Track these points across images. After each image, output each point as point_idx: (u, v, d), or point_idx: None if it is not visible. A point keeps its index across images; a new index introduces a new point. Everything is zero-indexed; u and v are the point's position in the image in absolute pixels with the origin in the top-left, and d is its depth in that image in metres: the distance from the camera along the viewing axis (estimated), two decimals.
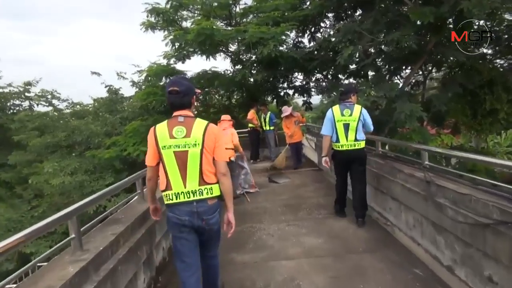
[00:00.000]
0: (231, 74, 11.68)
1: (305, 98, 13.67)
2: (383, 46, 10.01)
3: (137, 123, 11.42)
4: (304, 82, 13.68)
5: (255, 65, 11.17)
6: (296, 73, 12.65)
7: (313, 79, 13.24)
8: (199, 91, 2.96)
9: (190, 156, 2.39)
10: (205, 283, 2.73)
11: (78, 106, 15.12)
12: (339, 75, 12.29)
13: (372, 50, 10.48)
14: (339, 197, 4.99)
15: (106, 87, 14.17)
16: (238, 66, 11.63)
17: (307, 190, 6.81)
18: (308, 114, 22.69)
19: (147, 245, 3.35)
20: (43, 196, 12.21)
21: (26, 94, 15.44)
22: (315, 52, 11.78)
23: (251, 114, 10.51)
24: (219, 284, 2.85)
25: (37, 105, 15.57)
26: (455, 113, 10.83)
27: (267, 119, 10.51)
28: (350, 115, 4.42)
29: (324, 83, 12.66)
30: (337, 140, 4.53)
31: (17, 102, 15.53)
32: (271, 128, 10.48)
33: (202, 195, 2.43)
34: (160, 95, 11.52)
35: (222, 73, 12.25)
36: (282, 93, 13.84)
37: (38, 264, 2.54)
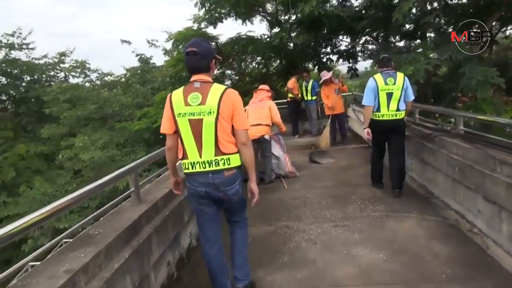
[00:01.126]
0: (268, 39, 10.44)
1: (350, 64, 12.32)
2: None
3: (166, 93, 10.60)
4: (349, 46, 12.25)
5: (295, 26, 9.83)
6: (341, 36, 11.19)
7: (360, 42, 11.73)
8: (219, 57, 2.73)
9: (205, 124, 2.22)
10: (233, 251, 2.61)
11: (109, 77, 14.56)
12: (392, 37, 10.75)
13: (435, 4, 8.80)
14: (377, 168, 4.80)
15: (137, 56, 13.47)
16: (276, 29, 10.35)
17: (357, 175, 5.50)
18: (351, 82, 20.89)
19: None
20: (79, 171, 11.92)
21: (61, 65, 15.07)
22: (364, 12, 10.26)
23: (292, 82, 9.27)
24: (246, 254, 2.65)
25: (72, 77, 15.23)
26: None
27: (309, 88, 9.12)
28: (394, 83, 4.24)
29: (374, 46, 11.12)
30: (378, 109, 4.33)
31: (52, 73, 15.20)
32: (313, 98, 9.14)
33: (218, 165, 2.28)
34: None
35: (259, 37, 11.05)
36: (325, 59, 12.55)
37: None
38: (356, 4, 10.91)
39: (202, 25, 10.16)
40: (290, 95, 9.45)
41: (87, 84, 14.29)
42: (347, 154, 6.93)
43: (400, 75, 4.33)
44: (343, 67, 15.43)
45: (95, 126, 12.13)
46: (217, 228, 2.50)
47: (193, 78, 2.30)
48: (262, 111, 5.38)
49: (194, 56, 2.24)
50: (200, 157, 2.27)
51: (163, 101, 11.36)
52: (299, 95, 9.29)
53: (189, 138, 2.26)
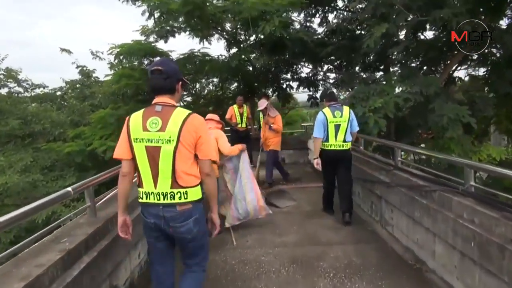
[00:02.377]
0: (226, 59, 9.48)
1: (311, 93, 11.69)
2: (420, 33, 7.94)
3: (105, 112, 9.29)
4: (311, 74, 11.65)
5: (255, 48, 8.98)
6: (303, 62, 10.51)
7: (323, 70, 11.16)
8: (187, 81, 2.44)
9: (162, 153, 2.02)
10: None
11: (42, 89, 12.74)
12: (355, 67, 10.25)
13: (402, 35, 8.38)
14: (328, 196, 5.08)
15: (77, 67, 11.96)
16: (234, 49, 9.44)
17: (324, 225, 4.51)
18: (307, 111, 20.36)
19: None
20: None
21: None
22: (327, 39, 9.69)
23: (229, 111, 8.04)
24: None
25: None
26: (498, 119, 8.80)
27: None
28: (341, 116, 4.59)
29: (336, 75, 10.54)
30: (327, 140, 4.63)
31: None
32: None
33: (174, 199, 2.06)
34: (136, 78, 9.32)
35: (216, 58, 10.08)
36: (284, 85, 11.84)
37: None
38: (319, 31, 10.39)
39: (152, 39, 9.01)
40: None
41: (16, 95, 12.40)
42: (310, 195, 5.95)
43: (346, 108, 4.66)
44: (303, 95, 14.90)
45: (17, 145, 10.34)
46: (168, 266, 2.30)
47: (156, 100, 2.13)
48: None
49: (159, 76, 2.08)
50: (155, 187, 2.08)
51: (100, 121, 10.14)
52: (239, 125, 8.11)
53: (144, 166, 2.08)
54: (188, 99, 11.51)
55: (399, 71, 8.54)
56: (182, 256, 2.32)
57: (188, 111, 2.10)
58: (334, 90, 8.97)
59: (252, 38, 8.95)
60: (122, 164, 2.16)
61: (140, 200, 2.15)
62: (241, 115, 8.07)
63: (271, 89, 11.96)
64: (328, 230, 4.37)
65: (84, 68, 12.07)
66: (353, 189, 4.96)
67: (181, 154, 2.03)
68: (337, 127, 4.53)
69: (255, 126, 8.68)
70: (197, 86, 11.24)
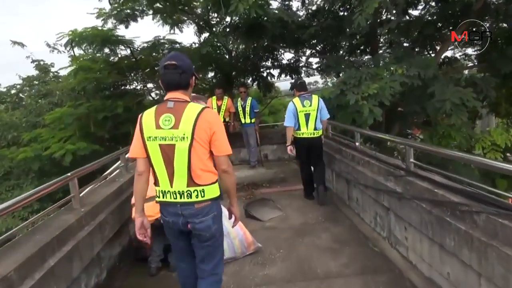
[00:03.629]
0: (197, 46, 8.41)
1: (293, 80, 10.77)
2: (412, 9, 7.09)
3: (62, 111, 8.18)
4: (293, 60, 10.73)
5: (229, 33, 7.92)
6: (284, 48, 9.52)
7: (305, 55, 10.22)
8: (197, 76, 2.26)
9: (177, 151, 1.97)
10: None
11: None
12: (341, 50, 9.35)
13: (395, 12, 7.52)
14: (307, 182, 5.18)
15: (33, 62, 10.70)
16: (206, 35, 8.37)
17: (320, 246, 3.56)
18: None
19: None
20: None
21: None
22: (308, 22, 8.72)
23: (208, 103, 7.22)
24: None
25: None
26: (498, 101, 8.04)
27: (247, 108, 7.17)
28: (310, 105, 4.81)
29: (320, 59, 9.62)
30: (299, 129, 4.84)
31: None
32: (252, 121, 7.25)
33: (191, 197, 2.02)
34: (96, 71, 8.22)
35: (187, 46, 9.00)
36: (265, 74, 10.91)
37: None
38: (302, 13, 9.39)
39: (110, 24, 7.87)
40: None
41: None
42: (298, 201, 5.03)
43: (315, 97, 4.92)
44: (286, 83, 13.99)
45: None
46: (192, 262, 2.23)
47: (168, 96, 2.06)
48: None
49: (174, 70, 2.00)
50: (171, 186, 2.03)
51: (56, 121, 9.01)
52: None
53: (159, 165, 2.02)
54: (158, 92, 10.43)
55: (391, 52, 7.71)
56: (197, 261, 2.22)
57: (201, 106, 2.03)
58: (319, 77, 8.21)
59: (227, 20, 7.89)
60: (137, 163, 2.12)
61: (157, 199, 2.12)
62: (219, 108, 7.18)
63: (250, 78, 11.04)
64: (324, 254, 3.43)
65: (41, 63, 10.80)
66: (351, 194, 4.31)
67: (196, 151, 1.98)
68: (307, 116, 4.78)
69: (236, 121, 7.72)
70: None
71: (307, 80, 11.95)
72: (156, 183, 2.08)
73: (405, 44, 7.83)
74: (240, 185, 5.80)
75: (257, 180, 6.18)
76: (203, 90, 10.30)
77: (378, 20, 8.22)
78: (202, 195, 2.02)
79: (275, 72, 10.83)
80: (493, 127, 9.99)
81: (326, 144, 5.39)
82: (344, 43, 9.09)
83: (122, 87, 9.83)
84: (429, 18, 7.01)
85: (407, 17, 7.19)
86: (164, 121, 1.98)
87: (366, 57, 8.88)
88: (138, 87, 10.22)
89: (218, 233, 2.14)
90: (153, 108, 2.07)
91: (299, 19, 8.99)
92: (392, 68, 6.29)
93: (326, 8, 8.55)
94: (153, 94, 10.21)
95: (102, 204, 3.19)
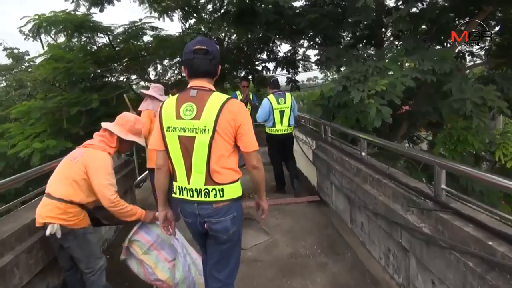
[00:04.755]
0: (181, 34, 7.49)
1: (290, 75, 9.97)
2: None
3: (30, 104, 7.30)
4: (289, 53, 9.87)
5: (217, 15, 6.99)
6: (280, 38, 8.59)
7: (303, 47, 9.32)
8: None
9: (197, 144, 1.80)
10: None
11: None
12: (342, 40, 8.46)
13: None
14: (280, 177, 5.28)
15: (5, 50, 9.75)
16: (191, 21, 7.44)
17: None
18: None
19: None
20: None
21: None
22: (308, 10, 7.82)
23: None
24: None
25: None
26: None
27: (248, 105, 6.11)
28: (285, 103, 4.91)
29: (318, 51, 8.72)
30: (273, 125, 4.95)
31: None
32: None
33: (208, 197, 1.85)
34: (67, 60, 7.31)
35: (172, 34, 8.10)
36: (260, 67, 10.09)
37: None
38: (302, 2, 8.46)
39: (83, 8, 6.96)
40: None
41: None
42: (290, 221, 4.17)
43: (288, 95, 5.04)
44: (283, 78, 13.15)
45: None
46: None
47: (192, 83, 1.88)
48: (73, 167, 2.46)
49: (204, 56, 1.83)
50: (188, 183, 1.88)
51: (24, 115, 8.12)
52: None
53: (177, 159, 1.87)
54: (144, 83, 9.56)
55: (400, 44, 6.83)
56: (209, 267, 2.04)
57: (226, 96, 1.86)
58: (318, 72, 7.48)
59: (216, 4, 6.96)
60: (157, 155, 1.95)
61: (174, 195, 1.96)
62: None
63: (244, 72, 10.18)
64: None
65: (15, 51, 9.85)
66: (355, 216, 3.54)
67: (217, 145, 1.80)
68: (282, 113, 4.90)
69: None
70: (159, 68, 9.25)
71: (305, 75, 11.10)
72: (174, 178, 1.95)
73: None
74: None
75: (243, 188, 5.31)
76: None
77: (386, 8, 7.39)
78: (221, 194, 1.87)
79: (271, 65, 10.03)
80: (501, 128, 9.17)
81: (323, 151, 4.55)
82: (346, 33, 8.20)
83: (103, 79, 8.94)
84: (445, 4, 6.12)
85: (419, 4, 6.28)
86: (185, 111, 1.83)
87: (371, 50, 8.01)
88: (121, 79, 9.33)
89: (236, 237, 2.00)
90: (175, 96, 1.91)
91: (299, 7, 8.15)
92: (401, 62, 5.45)
93: None
94: (135, 87, 9.32)
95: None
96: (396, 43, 7.62)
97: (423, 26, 6.82)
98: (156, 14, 7.91)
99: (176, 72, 9.64)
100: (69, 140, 8.22)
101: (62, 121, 7.67)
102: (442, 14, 5.89)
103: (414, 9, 6.22)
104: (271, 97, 4.91)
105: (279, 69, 10.04)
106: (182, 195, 1.91)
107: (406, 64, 5.48)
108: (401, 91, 4.89)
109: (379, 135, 7.09)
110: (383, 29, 7.67)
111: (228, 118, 1.79)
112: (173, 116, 1.83)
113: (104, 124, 2.60)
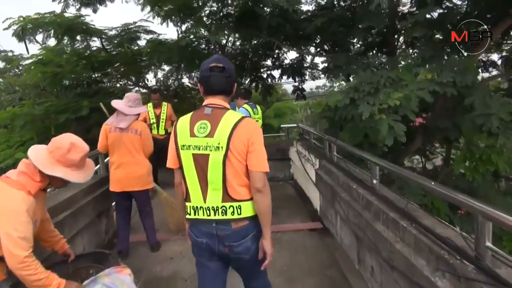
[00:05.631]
0: (177, 39, 6.96)
1: (296, 83, 9.44)
2: None
3: (14, 111, 6.84)
4: (295, 60, 9.33)
5: (216, 17, 6.44)
6: (285, 45, 8.03)
7: (310, 54, 8.78)
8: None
9: (211, 162, 1.76)
10: None
11: None
12: (352, 47, 7.90)
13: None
14: None
15: None
16: (189, 24, 6.89)
17: None
18: (297, 102, 17.41)
19: None
20: None
21: None
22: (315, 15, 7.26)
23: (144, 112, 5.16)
24: None
25: None
26: None
27: None
28: (257, 114, 4.83)
29: (325, 58, 8.16)
30: None
31: None
32: None
33: (226, 214, 1.79)
34: (55, 65, 6.85)
35: (168, 39, 7.59)
36: (265, 75, 9.56)
37: None
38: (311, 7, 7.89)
39: (73, 9, 6.49)
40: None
41: None
42: (286, 255, 3.56)
43: (259, 107, 4.99)
44: (288, 85, 12.59)
45: None
46: None
47: (207, 101, 1.86)
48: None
49: (220, 73, 1.80)
50: (204, 201, 1.83)
51: (13, 122, 7.67)
52: (154, 130, 5.82)
53: (192, 177, 1.83)
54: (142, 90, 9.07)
55: (416, 52, 6.26)
56: (244, 280, 2.08)
57: (241, 115, 1.83)
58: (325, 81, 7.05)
59: (214, 7, 6.43)
60: (174, 173, 1.93)
61: (188, 216, 1.89)
62: (158, 117, 5.83)
63: (248, 79, 9.66)
64: None
65: (10, 54, 9.43)
66: (363, 257, 2.91)
67: (231, 163, 1.76)
68: None
69: None
70: (160, 75, 8.76)
71: (312, 83, 10.51)
72: (188, 198, 1.88)
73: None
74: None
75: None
76: (189, 91, 8.91)
77: (400, 13, 6.83)
78: (239, 212, 1.80)
79: (276, 73, 9.49)
80: None
81: (327, 172, 3.96)
82: (356, 40, 7.64)
83: (98, 85, 8.48)
84: (467, 9, 5.53)
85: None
86: (199, 129, 1.79)
87: (383, 58, 7.42)
88: (118, 85, 8.86)
89: (257, 251, 1.89)
90: (190, 114, 1.88)
91: (307, 11, 7.62)
92: (417, 72, 4.86)
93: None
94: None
95: None
96: (411, 51, 7.03)
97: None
98: (157, 19, 7.46)
99: (176, 79, 9.11)
100: None
101: (50, 129, 7.22)
102: (463, 20, 5.29)
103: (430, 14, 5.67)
104: (247, 106, 4.69)
105: (284, 77, 9.53)
106: (198, 215, 1.85)
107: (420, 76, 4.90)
108: (416, 105, 4.32)
109: (391, 151, 6.51)
110: (396, 36, 7.11)
111: (241, 137, 1.75)
112: (187, 134, 1.80)
113: (30, 150, 2.00)
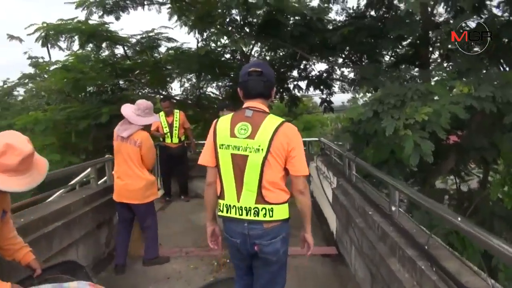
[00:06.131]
0: (198, 47, 6.81)
1: (324, 96, 9.09)
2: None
3: (36, 115, 6.86)
4: (325, 72, 8.97)
5: (236, 25, 6.22)
6: (310, 55, 7.69)
7: (337, 63, 8.39)
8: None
9: (249, 163, 1.82)
10: None
11: None
12: (381, 59, 7.46)
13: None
14: None
15: (29, 59, 9.62)
16: (210, 32, 6.72)
17: None
18: (329, 115, 16.69)
19: None
20: None
21: None
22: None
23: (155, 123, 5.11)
24: None
25: None
26: None
27: None
28: None
29: (354, 70, 7.77)
30: None
31: None
32: None
33: (258, 216, 1.84)
34: (79, 70, 6.88)
35: (187, 48, 7.47)
36: (292, 86, 9.27)
37: None
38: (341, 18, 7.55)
39: (96, 15, 6.48)
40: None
41: None
42: (296, 284, 3.17)
43: None
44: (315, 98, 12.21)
45: None
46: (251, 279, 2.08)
47: (246, 104, 1.93)
48: None
49: (259, 78, 1.88)
50: (238, 201, 1.88)
51: (35, 123, 7.71)
52: (167, 139, 5.71)
53: (228, 176, 1.88)
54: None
55: (451, 64, 5.78)
56: (255, 284, 2.04)
57: (281, 119, 1.87)
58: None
59: (233, 14, 6.23)
60: (207, 172, 1.99)
61: (219, 213, 1.96)
62: (171, 126, 5.65)
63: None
64: None
65: (40, 60, 9.68)
66: None
67: (270, 165, 1.82)
68: None
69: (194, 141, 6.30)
70: (186, 84, 8.68)
71: (344, 97, 10.07)
72: (222, 196, 1.93)
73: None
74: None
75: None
76: (211, 101, 8.74)
77: (434, 23, 6.37)
78: (271, 214, 1.85)
79: (303, 84, 9.16)
80: None
81: (344, 192, 3.60)
82: (385, 51, 7.22)
83: (122, 92, 8.49)
84: (510, 18, 5.04)
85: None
86: (239, 130, 1.85)
87: (415, 71, 6.94)
88: (141, 93, 8.83)
89: (284, 257, 1.99)
90: (230, 115, 1.94)
91: (333, 22, 7.30)
92: (451, 86, 4.41)
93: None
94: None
95: None
96: (445, 65, 6.53)
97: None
98: (184, 28, 7.36)
99: (198, 88, 8.97)
100: (78, 156, 7.78)
101: (71, 135, 7.25)
102: (505, 29, 4.80)
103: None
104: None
105: (311, 89, 9.19)
106: (230, 213, 1.90)
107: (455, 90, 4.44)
108: (447, 121, 3.87)
109: (420, 170, 5.98)
110: (430, 48, 6.65)
111: (282, 141, 1.81)
112: (228, 134, 1.86)
113: None
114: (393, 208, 2.51)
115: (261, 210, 1.84)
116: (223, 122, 1.91)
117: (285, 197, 1.89)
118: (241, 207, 1.86)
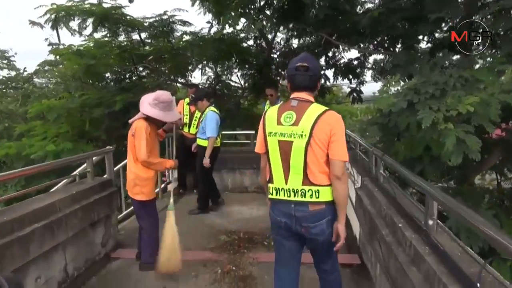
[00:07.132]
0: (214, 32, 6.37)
1: (354, 85, 8.49)
2: None
3: (48, 103, 6.68)
4: (356, 60, 8.36)
5: (253, 7, 5.71)
6: (336, 41, 7.05)
7: (367, 50, 7.73)
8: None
9: (294, 148, 1.95)
10: None
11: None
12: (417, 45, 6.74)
13: None
14: (212, 191, 5.22)
15: (50, 45, 9.48)
16: (226, 15, 6.25)
17: None
18: (359, 106, 15.72)
19: None
20: None
21: None
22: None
23: (179, 105, 5.20)
24: None
25: None
26: None
27: None
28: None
29: (384, 56, 7.11)
30: (217, 138, 4.79)
31: None
32: None
33: (304, 197, 1.96)
34: (92, 56, 6.60)
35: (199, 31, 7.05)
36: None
37: None
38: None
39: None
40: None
41: None
42: None
43: None
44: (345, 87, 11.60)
45: None
46: (292, 270, 2.19)
47: (293, 95, 2.06)
48: None
49: (305, 73, 2.00)
50: (286, 183, 2.02)
51: (48, 112, 7.53)
52: (186, 128, 5.33)
53: (276, 161, 2.04)
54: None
55: (496, 51, 5.07)
56: (315, 260, 2.25)
57: (324, 107, 1.99)
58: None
59: None
60: (261, 158, 2.18)
61: (270, 196, 2.10)
62: (192, 115, 5.27)
63: None
64: None
65: (60, 46, 9.53)
66: None
67: (313, 150, 1.93)
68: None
69: None
70: (191, 71, 8.25)
71: (374, 86, 9.40)
72: (271, 179, 2.07)
73: None
74: (221, 238, 3.71)
75: (256, 229, 4.01)
76: (232, 90, 8.30)
77: (479, 4, 5.62)
78: (317, 195, 1.95)
79: (329, 72, 8.58)
80: None
81: (369, 195, 3.08)
82: (421, 36, 6.49)
83: (141, 79, 8.21)
84: None
85: None
86: (285, 118, 1.99)
87: (455, 58, 6.20)
88: (161, 79, 8.51)
89: (331, 236, 2.03)
90: (278, 105, 2.10)
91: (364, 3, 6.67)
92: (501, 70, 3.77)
93: None
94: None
95: None
96: (491, 52, 5.77)
97: None
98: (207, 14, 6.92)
99: (216, 76, 8.53)
100: (92, 145, 7.57)
101: (85, 123, 7.04)
102: None
103: None
104: (215, 109, 4.72)
105: (339, 78, 8.58)
106: (279, 195, 2.02)
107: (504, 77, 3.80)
108: (497, 113, 3.25)
109: (458, 166, 5.31)
110: (475, 28, 5.90)
111: (324, 127, 1.90)
112: (275, 122, 2.00)
113: None
114: (430, 222, 1.98)
115: (308, 192, 1.94)
116: (272, 111, 2.05)
117: (328, 180, 1.95)
118: (289, 189, 1.98)
